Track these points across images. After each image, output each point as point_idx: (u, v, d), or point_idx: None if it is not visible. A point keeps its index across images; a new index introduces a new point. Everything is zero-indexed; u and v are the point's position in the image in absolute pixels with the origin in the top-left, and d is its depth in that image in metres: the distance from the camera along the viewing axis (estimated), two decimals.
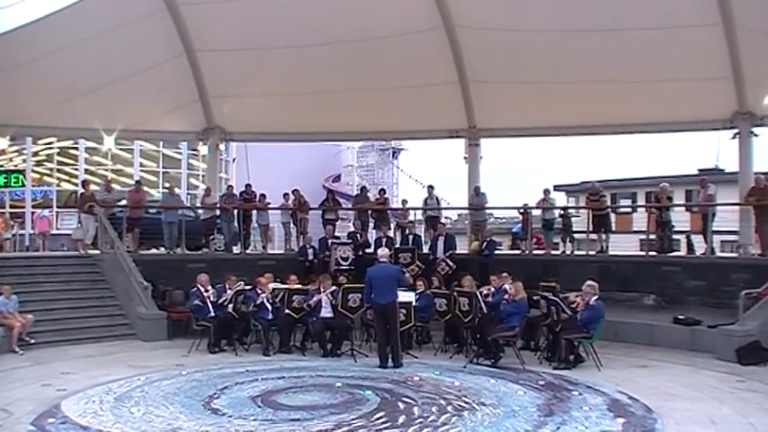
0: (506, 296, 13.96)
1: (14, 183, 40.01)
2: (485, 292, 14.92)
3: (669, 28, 17.96)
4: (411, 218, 21.92)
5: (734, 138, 19.47)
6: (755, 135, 19.30)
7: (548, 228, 21.19)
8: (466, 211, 23.31)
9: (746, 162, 19.41)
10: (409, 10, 19.70)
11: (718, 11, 17.38)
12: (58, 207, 48.88)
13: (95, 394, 10.97)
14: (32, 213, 38.57)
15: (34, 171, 49.86)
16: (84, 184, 22.52)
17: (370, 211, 22.09)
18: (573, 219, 22.33)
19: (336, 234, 20.94)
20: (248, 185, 22.42)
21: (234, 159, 47.90)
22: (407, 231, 20.40)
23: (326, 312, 14.63)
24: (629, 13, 18.28)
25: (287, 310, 14.92)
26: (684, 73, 18.68)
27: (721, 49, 18.06)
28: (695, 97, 19.25)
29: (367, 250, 19.80)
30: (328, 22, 19.97)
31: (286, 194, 21.99)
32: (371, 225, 21.86)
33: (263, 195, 21.95)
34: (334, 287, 14.92)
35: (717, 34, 17.82)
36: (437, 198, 22.09)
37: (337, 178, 62.74)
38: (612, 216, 21.89)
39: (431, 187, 22.19)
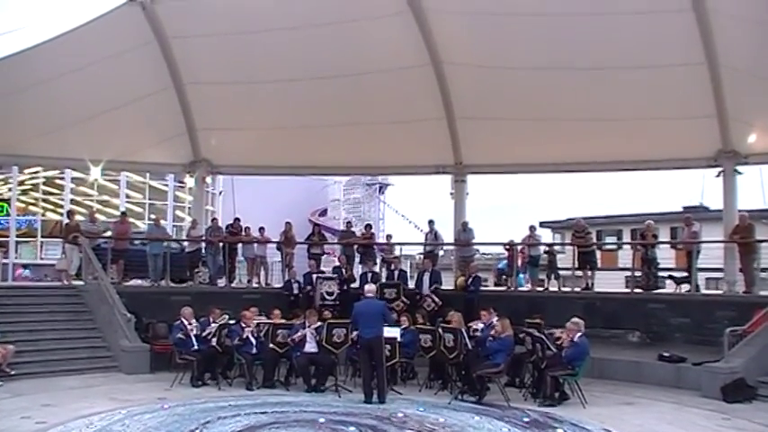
0: (492, 332, 13.93)
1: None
2: (474, 327, 14.90)
3: (654, 67, 18.15)
4: (397, 253, 21.90)
5: (718, 176, 19.61)
6: (739, 173, 19.46)
7: (533, 264, 21.18)
8: (452, 247, 23.28)
9: (731, 200, 19.54)
10: (397, 46, 19.85)
11: (703, 50, 17.60)
12: (42, 237, 48.78)
13: (75, 427, 10.81)
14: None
15: (19, 200, 49.77)
16: (70, 214, 22.43)
17: (355, 246, 22.04)
18: (558, 255, 22.38)
19: (322, 269, 20.90)
20: (237, 219, 22.37)
21: (221, 192, 47.96)
22: (393, 266, 20.38)
23: (311, 347, 14.55)
24: (615, 51, 18.46)
25: (271, 345, 14.83)
26: (669, 111, 18.87)
27: (705, 87, 18.27)
28: (680, 135, 19.41)
29: (352, 285, 19.73)
30: (317, 57, 20.08)
31: (262, 228, 21.94)
32: (357, 260, 21.81)
33: (247, 228, 21.88)
34: (318, 322, 14.85)
35: (701, 73, 18.03)
36: (436, 233, 22.05)
37: (324, 212, 62.84)
38: (598, 253, 21.92)
39: (431, 222, 22.21)
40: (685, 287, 19.14)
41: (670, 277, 20.11)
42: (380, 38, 19.73)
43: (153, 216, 35.86)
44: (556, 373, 13.26)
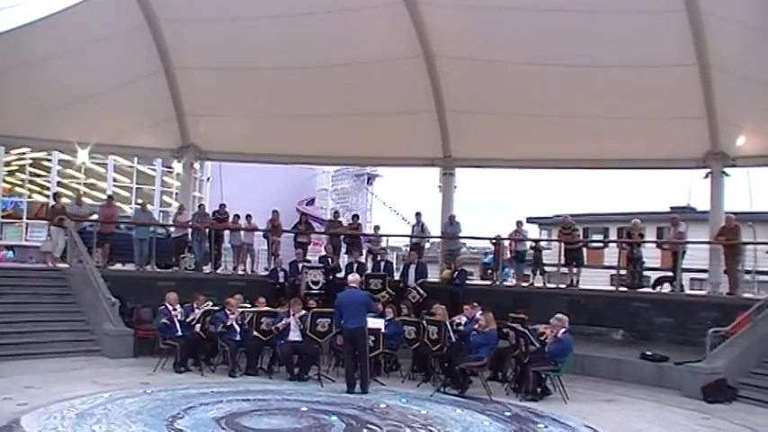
0: (476, 326, 13.95)
1: None
2: (457, 320, 14.92)
3: (645, 66, 18.20)
4: (383, 244, 21.89)
5: (706, 177, 19.66)
6: (727, 175, 19.52)
7: (519, 260, 21.22)
8: (438, 240, 23.33)
9: (718, 201, 19.62)
10: (389, 37, 19.82)
11: (694, 52, 17.64)
12: (28, 218, 48.54)
13: (57, 410, 10.77)
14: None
15: (5, 181, 49.46)
16: (56, 196, 22.29)
17: (342, 236, 22.03)
18: (544, 251, 22.41)
19: (308, 258, 20.88)
20: (222, 205, 22.37)
21: (208, 178, 47.79)
22: (379, 258, 20.39)
23: (295, 336, 14.55)
24: (607, 51, 18.49)
25: (255, 333, 14.81)
26: (659, 111, 18.93)
27: (696, 89, 18.32)
28: (669, 136, 19.46)
29: (338, 275, 19.73)
30: (308, 46, 20.04)
31: (249, 216, 21.90)
32: (343, 250, 21.80)
33: (236, 216, 21.83)
34: (303, 311, 14.84)
35: (692, 74, 18.08)
36: (423, 225, 22.08)
37: (311, 202, 62.79)
38: (584, 250, 21.96)
39: (418, 214, 22.24)
40: (667, 286, 19.27)
41: (658, 282, 20.22)
42: (372, 28, 19.70)
43: (140, 201, 35.75)
44: (538, 369, 13.29)
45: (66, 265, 19.03)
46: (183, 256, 20.87)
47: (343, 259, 21.39)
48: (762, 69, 17.01)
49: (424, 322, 14.68)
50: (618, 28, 18.05)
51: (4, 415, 10.30)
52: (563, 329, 13.50)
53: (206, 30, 20.14)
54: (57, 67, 19.48)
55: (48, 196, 44.23)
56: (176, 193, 43.57)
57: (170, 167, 40.30)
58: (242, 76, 20.99)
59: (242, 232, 21.56)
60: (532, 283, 21.01)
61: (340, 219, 24.15)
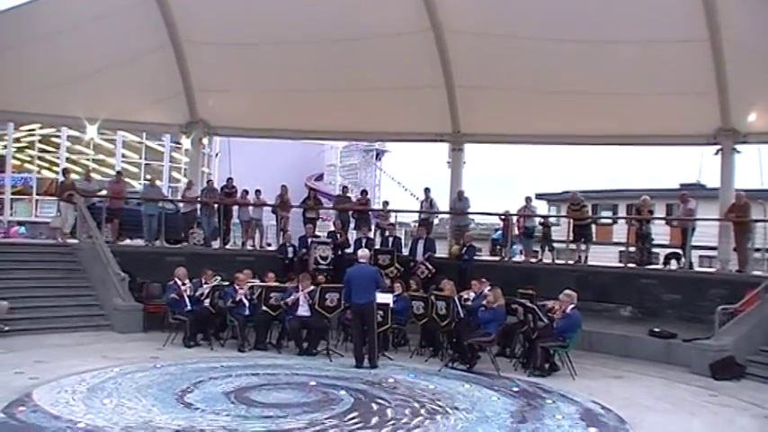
0: (484, 302, 13.94)
1: None
2: (465, 296, 14.94)
3: (656, 41, 18.02)
4: (392, 220, 21.89)
5: (716, 154, 19.52)
6: (738, 152, 19.36)
7: (528, 236, 21.19)
8: (447, 215, 23.31)
9: (728, 178, 19.48)
10: (398, 11, 19.68)
11: (706, 26, 17.46)
12: (37, 194, 48.69)
13: (68, 384, 10.89)
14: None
15: (15, 157, 49.60)
16: (65, 172, 22.33)
17: (351, 212, 22.03)
18: (553, 228, 22.37)
19: (316, 233, 20.89)
20: (230, 179, 22.43)
21: (217, 154, 47.86)
22: (388, 233, 20.37)
23: (303, 311, 14.58)
24: (617, 26, 18.31)
25: (264, 308, 14.87)
26: (669, 87, 18.75)
27: (707, 64, 18.13)
28: (679, 112, 19.30)
29: (346, 250, 19.75)
30: (317, 20, 19.89)
31: (258, 191, 21.92)
32: (352, 225, 21.81)
33: (245, 191, 21.85)
34: (312, 286, 14.88)
35: (703, 50, 17.90)
36: (432, 200, 22.06)
37: (320, 177, 62.70)
38: (593, 227, 21.90)
39: (427, 190, 22.22)
40: (674, 263, 19.24)
41: (668, 259, 20.17)
42: (381, 2, 19.57)
43: (149, 176, 35.83)
44: (546, 344, 13.32)
45: (75, 241, 19.09)
46: (191, 231, 20.89)
47: (352, 234, 21.38)
48: None
49: (433, 297, 14.68)
50: (629, 3, 17.90)
51: (16, 389, 10.41)
52: (571, 305, 13.49)
53: (214, 3, 20.04)
54: (65, 43, 19.38)
55: (57, 172, 44.39)
56: (185, 169, 43.65)
57: (179, 143, 40.30)
58: (251, 51, 20.87)
59: (251, 208, 21.61)
60: (541, 260, 20.95)
61: (349, 194, 24.13)
